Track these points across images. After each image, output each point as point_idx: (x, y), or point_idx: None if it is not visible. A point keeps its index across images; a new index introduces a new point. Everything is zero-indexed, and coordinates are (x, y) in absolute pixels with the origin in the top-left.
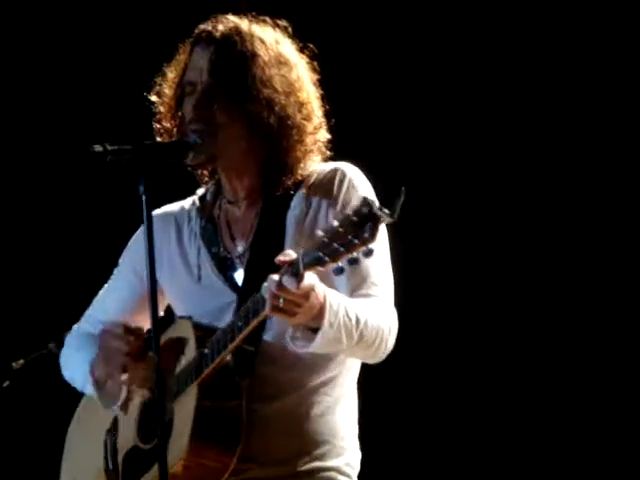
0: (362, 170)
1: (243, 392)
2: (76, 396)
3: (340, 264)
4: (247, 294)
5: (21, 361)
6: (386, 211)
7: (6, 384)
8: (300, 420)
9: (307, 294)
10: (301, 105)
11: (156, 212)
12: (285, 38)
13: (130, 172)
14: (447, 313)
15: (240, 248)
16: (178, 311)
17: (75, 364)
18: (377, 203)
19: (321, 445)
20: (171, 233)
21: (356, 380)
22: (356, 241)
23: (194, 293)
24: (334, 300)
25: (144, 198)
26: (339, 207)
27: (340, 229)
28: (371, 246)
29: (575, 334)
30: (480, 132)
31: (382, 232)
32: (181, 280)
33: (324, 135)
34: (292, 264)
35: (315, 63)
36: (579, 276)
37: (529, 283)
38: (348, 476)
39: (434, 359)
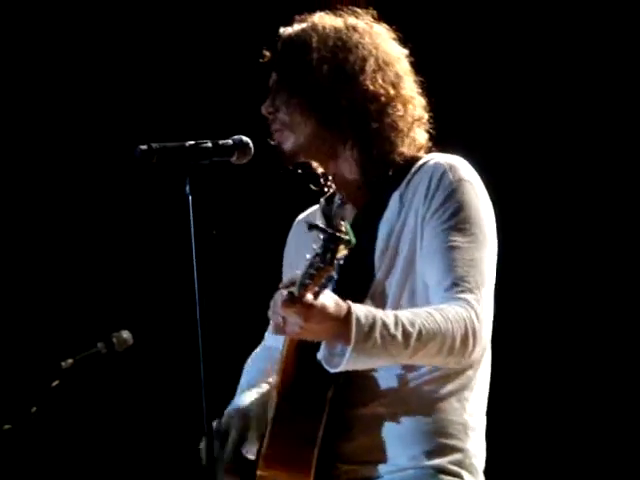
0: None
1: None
2: (121, 398)
3: (317, 289)
4: None
5: (70, 361)
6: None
7: (55, 384)
8: (398, 419)
9: (305, 313)
10: (365, 90)
11: (299, 217)
12: (365, 24)
13: (176, 172)
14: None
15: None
16: None
17: (242, 380)
18: (344, 227)
19: (422, 443)
20: (302, 237)
21: (476, 375)
22: (322, 265)
23: None
24: (364, 316)
25: (190, 199)
26: (424, 210)
27: (319, 250)
28: (333, 273)
29: None
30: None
31: (479, 226)
32: None
33: (411, 114)
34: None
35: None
36: None
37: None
38: (455, 475)
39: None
